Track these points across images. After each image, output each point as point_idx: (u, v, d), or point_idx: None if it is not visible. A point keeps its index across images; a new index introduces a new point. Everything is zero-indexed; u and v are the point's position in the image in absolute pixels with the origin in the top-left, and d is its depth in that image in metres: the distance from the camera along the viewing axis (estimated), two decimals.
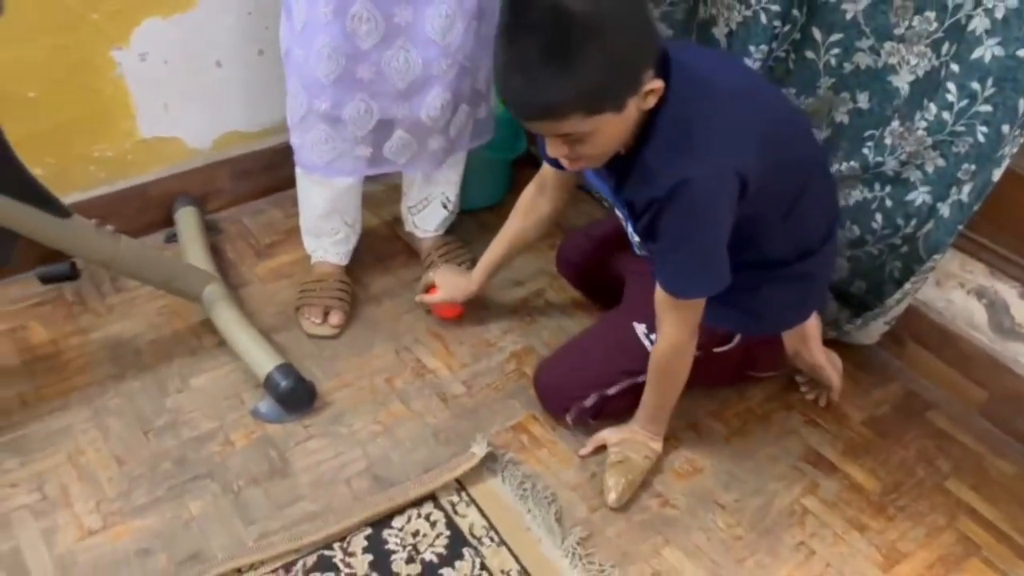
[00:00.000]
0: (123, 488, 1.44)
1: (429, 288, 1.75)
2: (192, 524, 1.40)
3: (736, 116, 1.23)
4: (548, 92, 1.10)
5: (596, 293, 1.81)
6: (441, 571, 1.35)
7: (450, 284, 1.72)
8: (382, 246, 1.98)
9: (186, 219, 1.92)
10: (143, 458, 1.49)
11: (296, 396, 1.56)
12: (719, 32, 1.76)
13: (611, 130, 1.17)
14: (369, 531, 1.40)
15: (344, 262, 1.83)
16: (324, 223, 1.77)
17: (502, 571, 1.36)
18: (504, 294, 1.87)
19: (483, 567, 1.36)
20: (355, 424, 1.57)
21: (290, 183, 1.80)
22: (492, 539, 1.40)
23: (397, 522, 1.41)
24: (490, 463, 1.51)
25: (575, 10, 1.06)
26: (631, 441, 1.50)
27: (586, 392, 1.52)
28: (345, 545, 1.38)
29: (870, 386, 1.72)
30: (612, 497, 1.45)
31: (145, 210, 1.92)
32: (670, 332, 1.36)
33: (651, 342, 1.45)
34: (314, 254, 1.83)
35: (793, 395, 1.69)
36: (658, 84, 1.17)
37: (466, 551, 1.38)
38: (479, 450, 1.50)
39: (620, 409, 1.52)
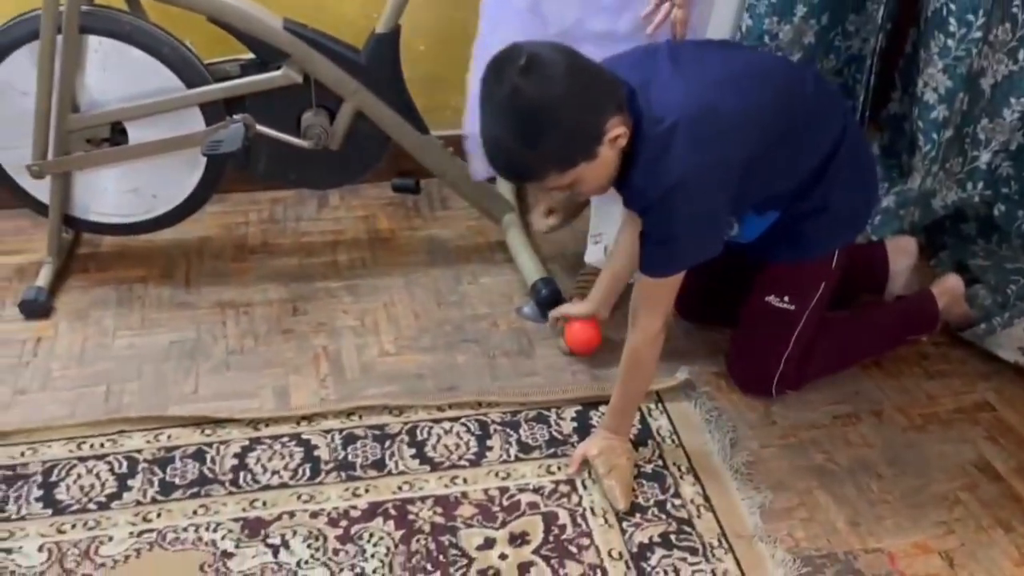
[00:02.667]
0: (414, 333, 1.95)
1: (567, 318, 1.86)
2: (455, 368, 1.86)
3: (704, 116, 1.42)
4: (521, 163, 1.38)
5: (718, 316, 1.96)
6: None
7: (581, 306, 1.85)
8: None
9: None
10: (433, 318, 1.99)
11: (552, 302, 1.98)
12: (986, 83, 1.95)
13: (593, 173, 1.41)
14: (579, 408, 1.78)
15: None
16: None
17: (674, 463, 1.68)
18: None
19: (660, 456, 1.69)
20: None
21: None
22: (673, 441, 1.72)
23: (603, 408, 1.77)
24: (688, 390, 1.83)
25: (530, 97, 1.31)
26: (609, 449, 1.62)
27: (770, 368, 1.77)
28: (559, 411, 1.77)
29: None
30: (622, 504, 1.57)
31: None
32: (645, 323, 1.54)
33: (785, 303, 1.71)
34: None
35: (982, 414, 1.82)
36: (622, 130, 1.38)
37: (650, 442, 1.72)
38: (680, 376, 1.83)
39: (814, 360, 1.78)
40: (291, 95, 1.92)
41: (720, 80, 1.48)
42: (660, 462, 1.68)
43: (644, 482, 1.64)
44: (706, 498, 1.61)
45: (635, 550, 1.51)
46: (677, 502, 1.60)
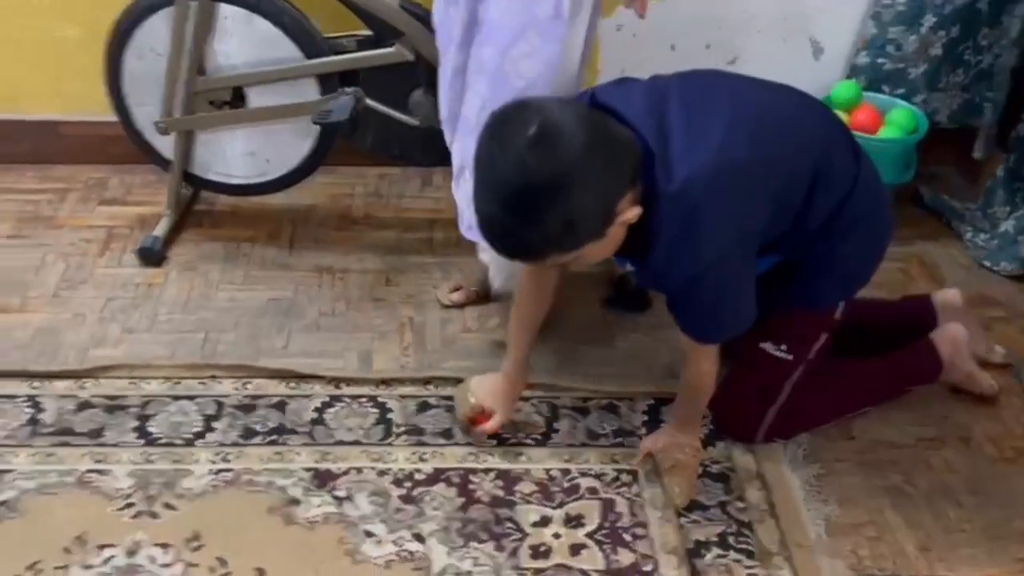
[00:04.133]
0: (497, 312, 1.98)
1: (478, 417, 1.64)
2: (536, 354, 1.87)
3: (728, 182, 1.30)
4: (522, 242, 1.23)
5: None
6: None
7: (500, 400, 1.63)
8: None
9: None
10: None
11: (636, 297, 1.99)
12: None
13: (598, 251, 1.29)
14: (652, 402, 1.78)
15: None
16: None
17: (743, 467, 1.65)
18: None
19: (729, 459, 1.67)
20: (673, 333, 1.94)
21: None
22: (743, 447, 1.69)
23: None
24: None
25: (540, 176, 1.16)
26: (674, 445, 1.59)
27: (758, 417, 1.66)
28: (631, 403, 1.77)
29: None
30: (680, 501, 1.55)
31: None
32: (699, 361, 1.50)
33: (782, 352, 1.60)
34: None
35: None
36: (636, 211, 1.26)
37: (720, 444, 1.70)
38: None
39: (806, 410, 1.67)
40: (402, 73, 1.98)
41: (739, 130, 1.34)
42: (728, 464, 1.66)
43: (709, 482, 1.62)
44: (770, 504, 1.58)
45: (690, 546, 1.50)
46: (740, 505, 1.58)
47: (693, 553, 1.49)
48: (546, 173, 1.16)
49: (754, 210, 1.37)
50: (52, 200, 2.29)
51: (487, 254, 1.82)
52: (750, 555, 1.50)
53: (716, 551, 1.50)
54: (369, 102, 1.97)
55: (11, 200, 2.28)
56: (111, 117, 2.14)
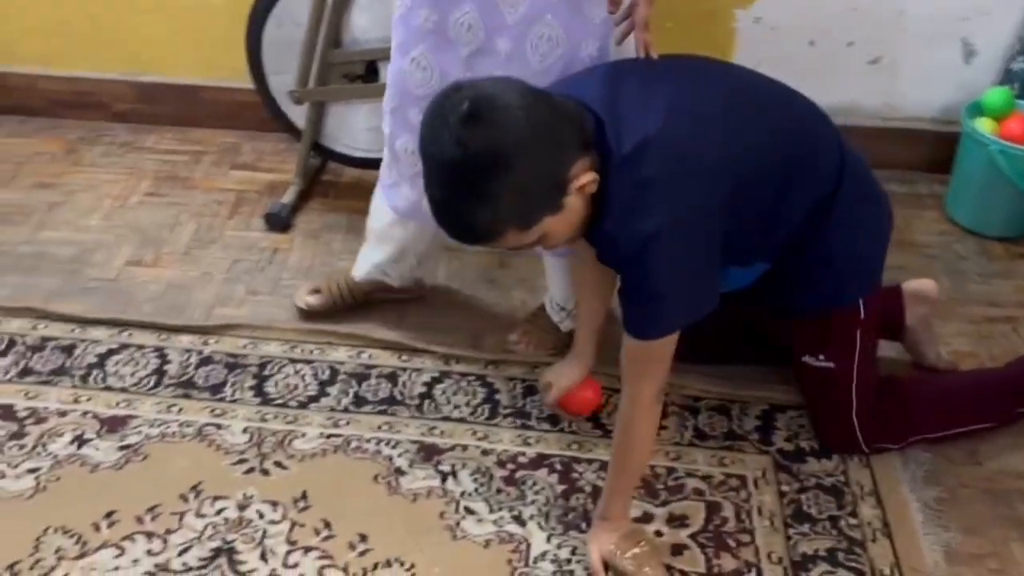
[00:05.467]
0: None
1: (565, 397, 1.65)
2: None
3: (686, 158, 1.23)
4: (475, 225, 1.16)
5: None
6: (808, 458, 1.63)
7: (576, 379, 1.64)
8: None
9: None
10: None
11: None
12: None
13: (560, 226, 1.21)
14: (766, 407, 1.73)
15: (359, 276, 1.87)
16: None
17: (858, 482, 1.59)
18: (974, 311, 2.00)
19: (843, 472, 1.61)
20: None
21: None
22: (861, 460, 1.63)
23: (791, 412, 1.71)
24: None
25: (478, 150, 1.10)
26: (622, 539, 1.42)
27: (848, 429, 1.59)
28: (743, 407, 1.73)
29: None
30: None
31: None
32: (634, 391, 1.34)
33: (822, 362, 1.54)
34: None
35: None
36: (591, 176, 1.19)
37: (835, 456, 1.63)
38: None
39: (910, 415, 1.62)
40: None
41: (701, 109, 1.29)
42: (843, 478, 1.59)
43: (820, 495, 1.56)
44: (885, 524, 1.51)
45: (797, 559, 1.45)
46: (853, 521, 1.52)
47: (799, 566, 1.44)
48: (483, 145, 1.11)
49: (714, 195, 1.27)
50: (188, 162, 2.38)
51: (383, 243, 1.80)
52: (860, 574, 1.44)
53: (824, 566, 1.45)
54: None
55: (152, 159, 2.39)
56: (248, 84, 2.21)
